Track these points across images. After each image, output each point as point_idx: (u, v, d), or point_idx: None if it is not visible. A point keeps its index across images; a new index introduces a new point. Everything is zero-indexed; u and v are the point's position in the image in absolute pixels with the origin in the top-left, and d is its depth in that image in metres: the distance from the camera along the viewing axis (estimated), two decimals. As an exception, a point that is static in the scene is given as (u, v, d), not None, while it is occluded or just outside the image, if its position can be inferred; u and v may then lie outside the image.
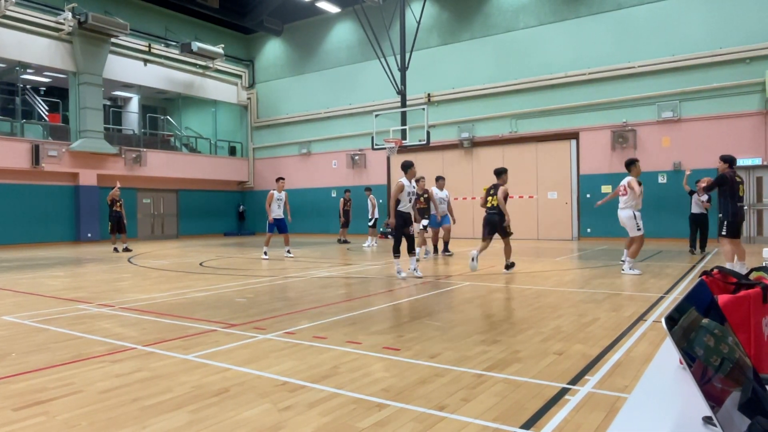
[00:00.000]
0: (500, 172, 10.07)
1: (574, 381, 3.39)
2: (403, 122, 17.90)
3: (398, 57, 18.39)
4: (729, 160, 8.34)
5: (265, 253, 12.68)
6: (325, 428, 2.71)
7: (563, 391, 3.20)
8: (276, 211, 12.74)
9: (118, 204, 14.69)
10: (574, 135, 17.98)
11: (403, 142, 17.37)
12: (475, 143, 19.79)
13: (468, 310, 5.88)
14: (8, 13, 17.63)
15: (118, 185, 15.45)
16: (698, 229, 12.61)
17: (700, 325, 0.86)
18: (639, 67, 16.64)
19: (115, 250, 15.23)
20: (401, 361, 3.88)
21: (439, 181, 12.44)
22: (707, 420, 0.83)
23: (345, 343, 4.42)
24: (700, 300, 0.91)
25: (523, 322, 5.19)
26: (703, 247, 12.65)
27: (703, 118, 15.86)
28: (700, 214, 12.56)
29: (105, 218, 19.01)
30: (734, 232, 8.03)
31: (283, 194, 13.00)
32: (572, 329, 4.86)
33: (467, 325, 5.08)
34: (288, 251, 13.02)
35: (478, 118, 19.62)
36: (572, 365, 3.73)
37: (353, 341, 4.49)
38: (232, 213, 26.13)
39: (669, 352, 1.20)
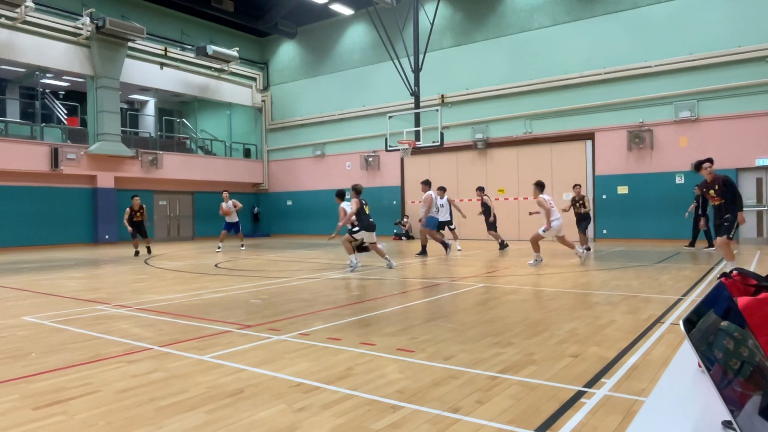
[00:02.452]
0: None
1: (590, 384, 3.36)
2: (417, 124, 17.91)
3: (412, 58, 18.41)
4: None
5: (219, 247, 15.85)
6: (339, 429, 2.71)
7: (579, 394, 3.17)
8: (230, 217, 16.14)
9: (138, 213, 14.59)
10: (589, 135, 17.83)
11: (417, 143, 17.37)
12: (489, 144, 19.71)
13: (482, 312, 5.86)
14: (28, 18, 17.96)
15: (137, 198, 15.12)
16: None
17: (719, 328, 0.84)
18: (656, 66, 16.46)
19: (136, 254, 14.89)
20: (415, 363, 3.88)
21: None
22: (727, 424, 0.82)
23: (359, 345, 4.42)
24: (719, 302, 0.90)
25: (537, 324, 5.15)
26: (711, 244, 13.62)
27: (721, 118, 15.63)
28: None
29: (123, 220, 19.10)
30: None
31: (230, 203, 16.13)
32: (588, 331, 4.81)
33: (481, 327, 5.05)
34: (242, 245, 17.09)
35: (492, 119, 19.55)
36: (588, 368, 3.70)
37: (367, 343, 4.49)
38: (246, 215, 26.30)
39: (687, 356, 1.18)
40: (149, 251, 15.08)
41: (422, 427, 2.72)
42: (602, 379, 3.44)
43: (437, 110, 17.38)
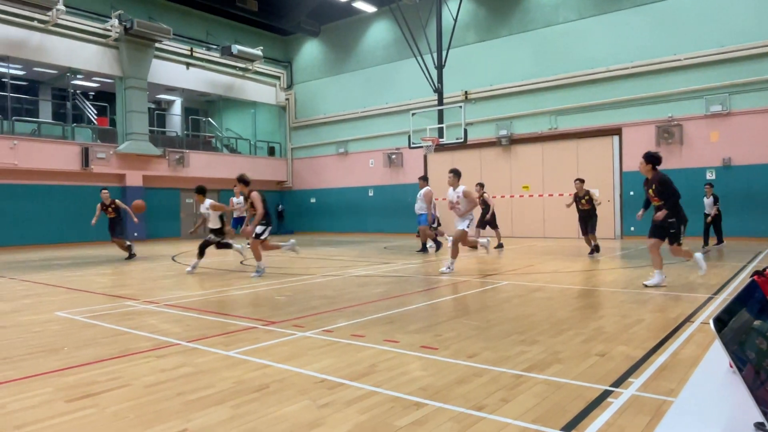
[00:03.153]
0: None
1: (618, 383, 3.31)
2: (440, 120, 17.84)
3: (435, 55, 18.33)
4: (656, 160, 7.31)
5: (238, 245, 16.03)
6: (362, 426, 2.73)
7: (606, 394, 3.13)
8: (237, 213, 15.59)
9: (109, 209, 13.26)
10: (616, 131, 17.52)
11: (440, 140, 17.31)
12: (514, 141, 19.52)
13: (507, 310, 5.81)
14: (59, 21, 18.41)
15: (106, 192, 13.79)
16: (711, 226, 13.61)
17: (751, 327, 0.82)
18: (685, 59, 16.08)
19: (132, 255, 13.54)
20: (439, 360, 3.87)
21: (421, 181, 13.37)
22: (759, 426, 0.80)
23: (382, 342, 4.43)
24: (751, 301, 0.88)
25: (563, 323, 5.09)
26: (720, 240, 13.54)
27: (754, 112, 15.20)
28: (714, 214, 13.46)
29: (151, 219, 19.11)
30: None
31: (240, 198, 14.90)
32: (615, 330, 4.74)
33: (506, 325, 5.02)
34: (248, 244, 16.19)
35: (517, 115, 19.36)
36: (615, 367, 3.64)
37: (391, 340, 4.50)
38: (271, 212, 26.49)
39: (718, 355, 1.16)
40: (130, 254, 13.37)
41: (446, 425, 2.72)
42: (630, 379, 3.39)
43: (461, 107, 17.28)
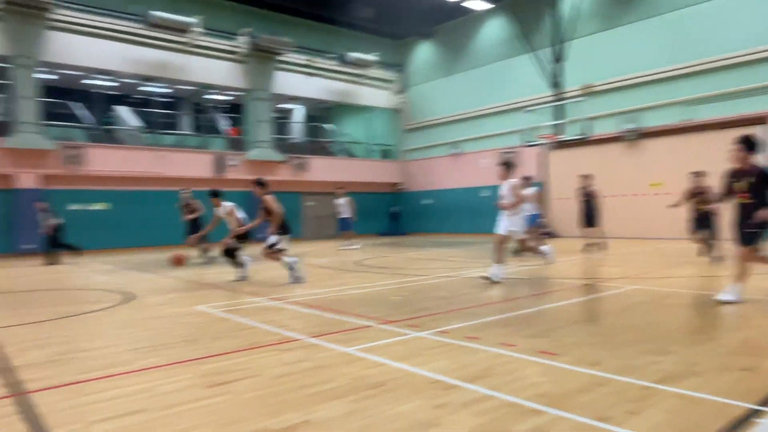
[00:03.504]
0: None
1: (767, 402, 2.95)
2: (558, 116, 17.11)
3: (551, 49, 17.61)
4: (756, 146, 5.82)
5: (342, 247, 16.22)
6: (479, 429, 2.70)
7: (752, 413, 2.81)
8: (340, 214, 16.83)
9: (187, 210, 12.84)
10: (761, 120, 15.62)
11: (559, 137, 16.60)
12: (641, 135, 18.15)
13: (634, 316, 5.42)
14: (196, 42, 20.31)
15: (186, 192, 13.56)
16: None
17: None
18: None
19: (210, 258, 12.98)
20: (558, 367, 3.71)
21: (524, 181, 11.73)
22: None
23: (498, 345, 4.34)
24: None
25: (701, 332, 4.65)
26: None
27: None
28: None
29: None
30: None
31: (342, 199, 16.56)
32: (765, 343, 4.23)
33: (633, 333, 4.68)
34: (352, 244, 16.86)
35: (644, 107, 17.99)
36: (764, 384, 3.25)
37: (507, 343, 4.39)
38: (386, 214, 27.13)
39: None
40: (205, 258, 12.95)
41: (566, 434, 2.60)
42: (782, 398, 3.01)
43: (581, 101, 16.43)
